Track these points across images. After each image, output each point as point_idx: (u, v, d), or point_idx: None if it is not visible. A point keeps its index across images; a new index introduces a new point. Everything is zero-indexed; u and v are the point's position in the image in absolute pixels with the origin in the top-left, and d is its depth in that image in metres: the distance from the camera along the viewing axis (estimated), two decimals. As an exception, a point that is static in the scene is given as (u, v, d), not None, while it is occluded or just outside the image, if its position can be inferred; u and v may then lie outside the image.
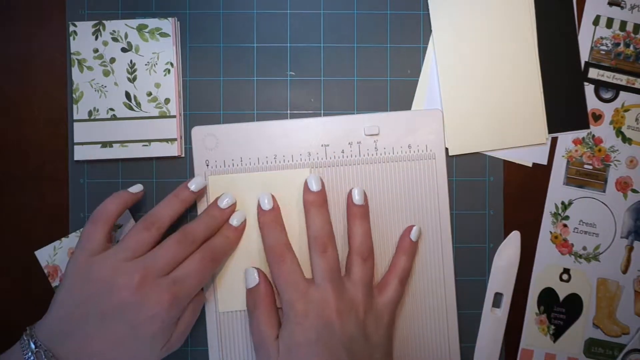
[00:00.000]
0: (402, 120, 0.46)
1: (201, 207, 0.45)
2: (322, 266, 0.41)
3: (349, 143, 0.46)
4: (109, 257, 0.39)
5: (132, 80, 0.46)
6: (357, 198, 0.43)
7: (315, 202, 0.43)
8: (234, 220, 0.43)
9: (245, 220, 0.44)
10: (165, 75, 0.46)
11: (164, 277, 0.38)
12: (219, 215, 0.43)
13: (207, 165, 0.45)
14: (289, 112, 0.47)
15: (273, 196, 0.44)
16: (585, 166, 0.47)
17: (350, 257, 0.43)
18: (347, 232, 0.44)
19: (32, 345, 0.36)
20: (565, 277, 0.47)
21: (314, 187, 0.43)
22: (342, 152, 0.46)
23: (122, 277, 0.38)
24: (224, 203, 0.43)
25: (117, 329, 0.37)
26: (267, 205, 0.43)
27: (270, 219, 0.43)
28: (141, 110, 0.46)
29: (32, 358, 0.36)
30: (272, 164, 0.45)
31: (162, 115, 0.46)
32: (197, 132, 0.46)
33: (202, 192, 0.44)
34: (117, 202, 0.41)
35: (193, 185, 0.43)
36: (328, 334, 0.39)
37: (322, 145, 0.46)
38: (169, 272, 0.39)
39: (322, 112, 0.47)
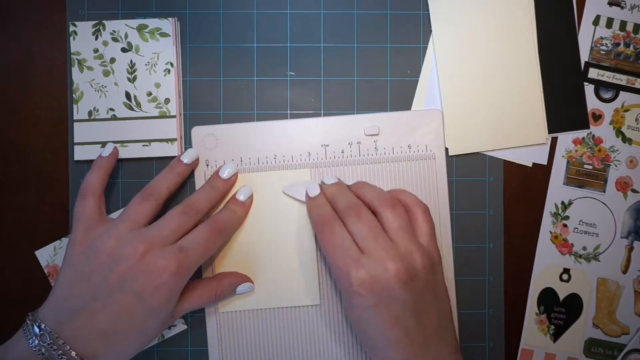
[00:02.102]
0: (402, 120, 0.46)
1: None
2: (363, 231, 0.38)
3: (349, 143, 0.46)
4: (110, 229, 0.39)
5: (132, 80, 0.46)
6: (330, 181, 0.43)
7: (335, 189, 0.42)
8: (241, 196, 0.44)
9: (252, 197, 0.44)
10: (165, 75, 0.46)
11: (170, 245, 0.38)
12: (221, 185, 0.43)
13: (207, 165, 0.45)
14: (289, 112, 0.47)
15: (319, 184, 0.44)
16: (585, 166, 0.47)
17: (378, 214, 0.40)
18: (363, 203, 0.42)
19: (36, 330, 0.36)
20: (565, 277, 0.47)
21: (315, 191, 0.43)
22: (342, 152, 0.46)
23: (126, 247, 0.37)
24: (225, 173, 0.43)
25: (123, 300, 0.37)
26: (314, 191, 0.43)
27: (318, 203, 0.42)
28: (141, 110, 0.46)
29: (36, 342, 0.35)
30: (272, 164, 0.45)
31: (162, 115, 0.46)
32: (197, 132, 0.46)
33: (196, 163, 0.44)
34: (97, 171, 0.42)
35: (186, 158, 0.43)
36: (388, 298, 0.37)
37: (322, 145, 0.46)
38: (175, 242, 0.39)
39: (322, 112, 0.47)
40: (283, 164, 0.45)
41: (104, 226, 0.39)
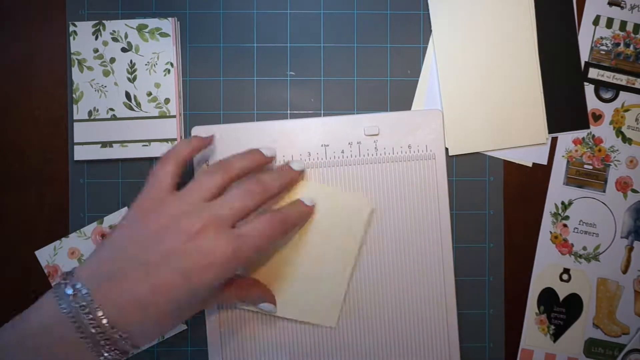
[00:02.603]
0: (402, 120, 0.46)
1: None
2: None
3: (349, 143, 0.46)
4: (174, 199, 0.37)
5: (132, 80, 0.46)
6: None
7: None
8: (307, 201, 0.43)
9: (314, 206, 0.44)
10: (165, 75, 0.46)
11: (228, 229, 0.36)
12: (293, 175, 0.42)
13: (207, 166, 0.45)
14: (289, 112, 0.47)
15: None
16: (585, 166, 0.47)
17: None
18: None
19: (69, 290, 0.33)
20: (565, 277, 0.47)
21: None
22: (342, 152, 0.46)
23: (183, 221, 0.35)
24: (296, 165, 0.43)
25: (169, 273, 0.34)
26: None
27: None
28: (141, 110, 0.46)
29: (67, 304, 0.32)
30: (272, 164, 0.45)
31: (162, 115, 0.46)
32: (197, 132, 0.46)
33: (272, 159, 0.42)
34: (188, 145, 0.40)
35: (266, 150, 0.42)
36: None
37: (322, 145, 0.46)
38: (234, 223, 0.37)
39: (322, 112, 0.47)
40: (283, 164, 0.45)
41: (170, 196, 0.37)
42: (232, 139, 0.45)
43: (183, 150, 0.40)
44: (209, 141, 0.43)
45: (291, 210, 0.41)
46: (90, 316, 0.32)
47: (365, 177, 0.46)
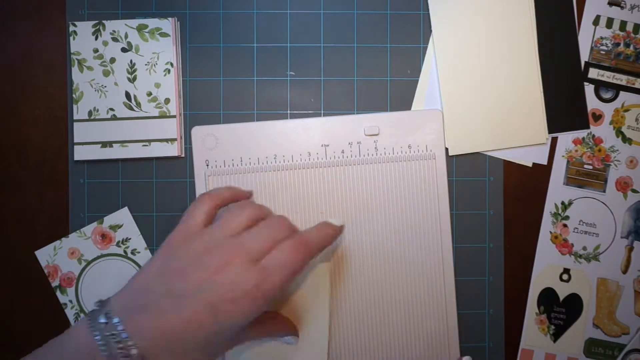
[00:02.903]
0: (402, 120, 0.46)
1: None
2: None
3: (349, 143, 0.46)
4: (205, 233, 0.37)
5: (132, 80, 0.46)
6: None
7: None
8: (336, 221, 0.41)
9: (343, 226, 0.42)
10: (165, 75, 0.46)
11: (254, 263, 0.36)
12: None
13: (207, 165, 0.45)
14: (289, 112, 0.47)
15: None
16: (585, 166, 0.47)
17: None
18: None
19: (103, 318, 0.34)
20: (565, 277, 0.47)
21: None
22: (342, 152, 0.46)
23: (211, 255, 0.36)
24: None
25: (196, 307, 0.34)
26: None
27: None
28: (141, 110, 0.46)
29: (99, 333, 0.33)
30: (272, 164, 0.45)
31: (162, 115, 0.46)
32: (197, 132, 0.46)
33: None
34: (230, 191, 0.41)
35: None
36: None
37: (322, 146, 0.46)
38: (261, 257, 0.36)
39: (322, 112, 0.47)
40: (283, 164, 0.45)
41: (199, 232, 0.38)
42: (232, 138, 0.45)
43: (221, 194, 0.40)
44: (248, 194, 0.43)
45: (315, 232, 0.40)
46: (121, 345, 0.33)
47: (365, 177, 0.46)
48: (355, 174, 0.46)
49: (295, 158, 0.45)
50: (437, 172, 0.46)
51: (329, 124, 0.46)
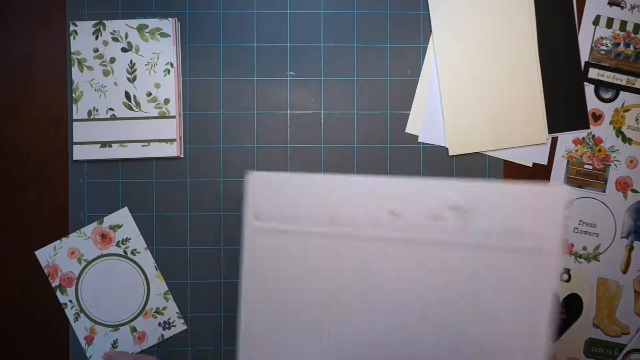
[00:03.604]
0: (507, 194, 0.34)
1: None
2: None
3: (428, 216, 0.35)
4: None
5: (132, 80, 0.46)
6: None
7: None
8: None
9: None
10: (165, 75, 0.46)
11: None
12: None
13: (257, 216, 0.38)
14: (289, 112, 0.47)
15: None
16: (585, 166, 0.47)
17: None
18: None
19: None
20: (565, 277, 0.47)
21: None
22: (417, 226, 0.35)
23: None
24: None
25: None
26: None
27: None
28: (141, 110, 0.46)
29: None
30: (329, 231, 0.37)
31: (162, 116, 0.46)
32: (254, 178, 0.38)
33: None
34: None
35: None
36: None
37: (391, 213, 0.36)
38: None
39: (322, 112, 0.47)
40: (340, 230, 0.36)
41: None
42: (287, 190, 0.38)
43: None
44: None
45: None
46: None
47: (444, 264, 0.34)
48: (430, 258, 0.35)
49: (357, 225, 0.36)
50: (545, 274, 0.33)
51: (403, 187, 0.35)
